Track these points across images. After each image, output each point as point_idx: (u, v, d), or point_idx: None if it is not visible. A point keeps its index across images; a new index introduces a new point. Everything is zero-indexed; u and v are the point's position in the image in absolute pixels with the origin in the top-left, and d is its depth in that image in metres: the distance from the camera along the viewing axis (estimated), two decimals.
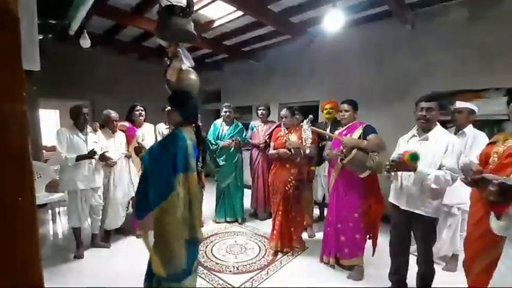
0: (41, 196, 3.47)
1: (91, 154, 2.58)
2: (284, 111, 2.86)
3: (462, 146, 2.18)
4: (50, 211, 3.80)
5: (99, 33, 4.16)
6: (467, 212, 2.23)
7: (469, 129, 2.34)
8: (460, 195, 2.20)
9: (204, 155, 1.75)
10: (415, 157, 1.71)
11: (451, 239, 2.47)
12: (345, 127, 2.43)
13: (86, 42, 3.01)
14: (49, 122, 6.79)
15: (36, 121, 4.30)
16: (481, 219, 1.46)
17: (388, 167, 1.81)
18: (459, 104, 2.42)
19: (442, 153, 1.77)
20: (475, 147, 2.16)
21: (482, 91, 2.89)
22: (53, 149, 5.13)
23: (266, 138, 3.61)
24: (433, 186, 1.71)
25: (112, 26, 3.97)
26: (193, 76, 1.82)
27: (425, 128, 1.89)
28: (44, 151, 4.88)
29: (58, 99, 4.81)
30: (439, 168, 1.76)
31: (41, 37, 2.43)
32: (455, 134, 2.35)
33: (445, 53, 3.09)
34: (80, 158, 2.57)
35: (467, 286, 1.64)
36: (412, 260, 2.04)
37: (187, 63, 1.81)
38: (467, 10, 2.94)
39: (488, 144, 1.58)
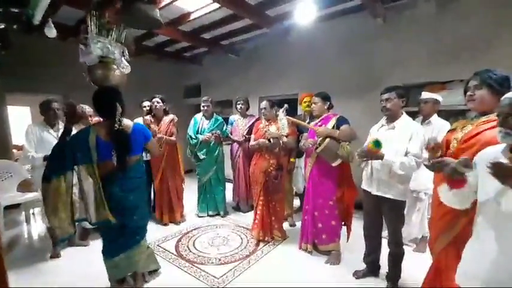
0: (13, 196, 3.33)
1: None
2: (264, 103, 2.92)
3: (428, 134, 2.30)
4: (23, 212, 3.65)
5: (70, 24, 3.98)
6: None
7: (434, 119, 2.48)
8: (426, 181, 2.33)
9: (118, 148, 1.85)
10: (377, 143, 1.82)
11: (419, 222, 2.63)
12: (319, 118, 2.52)
13: (51, 32, 2.85)
14: (20, 119, 6.44)
15: (4, 118, 4.08)
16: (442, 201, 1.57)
17: (358, 156, 1.92)
18: (425, 95, 2.56)
19: (407, 140, 1.89)
20: (439, 136, 2.29)
21: (448, 83, 3.07)
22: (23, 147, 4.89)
23: (245, 133, 3.63)
24: (399, 172, 1.83)
25: (83, 16, 3.80)
26: (106, 71, 1.87)
27: (389, 117, 2.01)
28: (14, 150, 4.64)
29: (28, 94, 4.55)
30: (405, 155, 1.88)
31: (2, 26, 2.30)
32: (422, 123, 2.49)
33: (414, 46, 3.24)
34: (47, 158, 2.47)
35: (431, 263, 1.75)
36: (385, 243, 2.16)
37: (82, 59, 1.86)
38: (434, 4, 3.09)
39: (448, 131, 1.69)
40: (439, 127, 2.41)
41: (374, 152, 1.84)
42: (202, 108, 3.61)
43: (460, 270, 1.21)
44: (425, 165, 1.52)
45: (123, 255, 2.01)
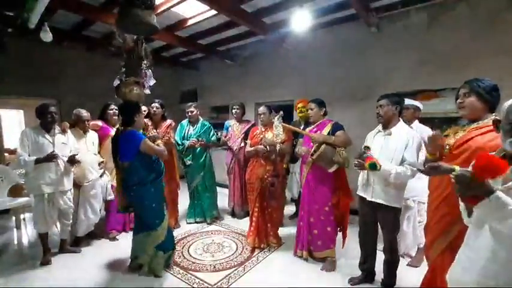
0: (3, 201, 3.26)
1: (50, 157, 2.43)
2: (262, 109, 2.93)
3: None
4: (13, 218, 3.57)
5: (66, 28, 3.97)
6: (422, 203, 2.36)
7: (415, 125, 2.44)
8: (414, 187, 2.28)
9: (112, 151, 2.34)
10: (373, 166, 1.86)
11: (412, 231, 2.51)
12: (314, 125, 2.54)
13: (46, 36, 2.84)
14: (12, 123, 6.35)
15: None
16: (438, 205, 1.57)
17: (355, 166, 1.96)
18: (406, 101, 2.47)
19: (403, 148, 1.91)
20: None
21: (440, 90, 3.14)
22: (15, 151, 4.81)
23: (241, 139, 3.64)
24: (395, 181, 1.86)
25: (80, 21, 3.81)
26: (125, 90, 2.33)
27: (383, 123, 2.04)
28: (6, 154, 4.56)
29: (22, 98, 4.50)
30: (401, 162, 1.90)
31: None
32: None
33: (407, 54, 3.31)
34: (39, 161, 2.43)
35: (428, 268, 1.76)
36: (380, 249, 2.16)
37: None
38: (426, 15, 3.18)
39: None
40: (420, 133, 2.29)
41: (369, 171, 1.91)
42: (186, 114, 3.61)
43: (450, 274, 1.22)
44: (420, 170, 1.54)
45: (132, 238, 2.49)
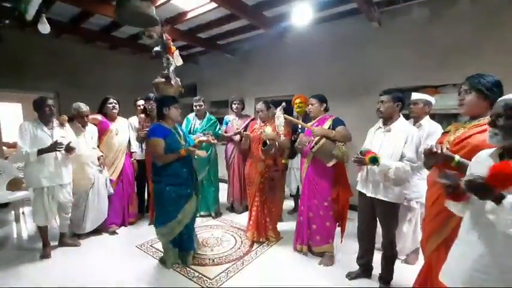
0: (2, 195, 3.26)
1: (54, 146, 2.41)
2: (260, 105, 2.91)
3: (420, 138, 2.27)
4: (12, 211, 3.57)
5: (64, 21, 3.92)
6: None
7: (426, 121, 2.35)
8: (419, 188, 2.24)
9: None
10: (374, 160, 1.84)
11: (412, 234, 2.44)
12: (315, 120, 2.53)
13: (44, 27, 2.81)
14: (10, 116, 6.32)
15: None
16: (436, 200, 1.56)
17: (354, 161, 1.94)
18: (414, 96, 2.41)
19: (403, 144, 1.90)
20: (430, 139, 2.20)
21: (441, 87, 3.12)
22: (14, 145, 4.80)
23: (242, 130, 3.63)
24: (394, 177, 1.85)
25: (78, 13, 3.75)
26: (161, 85, 2.55)
27: (383, 119, 2.04)
28: (5, 148, 4.55)
29: (20, 91, 4.47)
30: (401, 158, 1.90)
31: None
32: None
33: (408, 50, 3.29)
34: (42, 152, 2.41)
35: (423, 263, 1.77)
36: (378, 244, 2.17)
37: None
38: (428, 10, 3.15)
39: (442, 133, 1.71)
40: (430, 130, 2.29)
41: (370, 165, 1.88)
42: (194, 108, 3.61)
43: (444, 269, 1.23)
44: (424, 165, 1.54)
45: None
